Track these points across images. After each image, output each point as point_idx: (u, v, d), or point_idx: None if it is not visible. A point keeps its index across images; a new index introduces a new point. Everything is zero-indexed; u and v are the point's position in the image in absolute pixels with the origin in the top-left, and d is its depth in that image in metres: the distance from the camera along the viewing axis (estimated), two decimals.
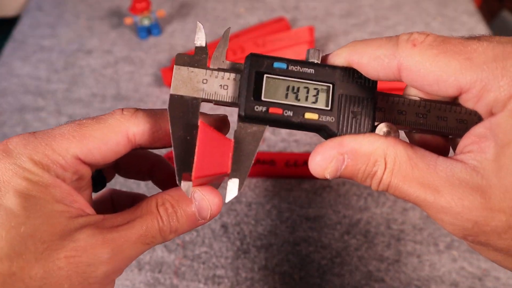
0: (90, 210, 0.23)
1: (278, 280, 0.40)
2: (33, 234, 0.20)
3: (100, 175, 0.28)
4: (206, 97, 0.23)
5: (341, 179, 0.47)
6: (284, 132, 0.52)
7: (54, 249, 0.20)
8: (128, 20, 0.64)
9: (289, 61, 0.23)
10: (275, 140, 0.51)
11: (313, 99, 0.23)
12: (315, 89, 0.23)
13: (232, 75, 0.23)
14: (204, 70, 0.23)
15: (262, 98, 0.22)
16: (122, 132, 0.24)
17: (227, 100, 0.23)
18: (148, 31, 0.66)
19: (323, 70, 0.23)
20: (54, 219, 0.21)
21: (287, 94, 0.23)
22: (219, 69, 0.23)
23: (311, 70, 0.23)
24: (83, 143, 0.23)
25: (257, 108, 0.22)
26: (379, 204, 0.45)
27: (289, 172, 0.46)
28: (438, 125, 0.23)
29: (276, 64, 0.23)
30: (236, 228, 0.44)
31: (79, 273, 0.20)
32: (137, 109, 0.25)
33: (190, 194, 0.23)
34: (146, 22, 0.64)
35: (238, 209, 0.45)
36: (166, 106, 0.49)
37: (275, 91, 0.23)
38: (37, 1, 0.75)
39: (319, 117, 0.22)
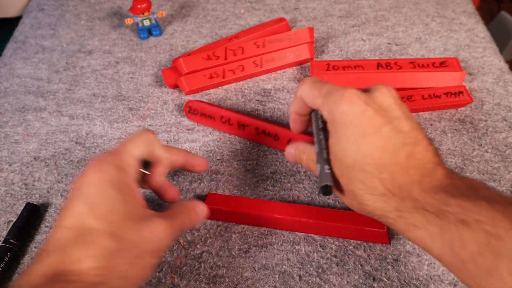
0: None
1: (278, 280, 0.41)
2: (130, 214, 0.32)
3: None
4: None
5: None
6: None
7: (142, 226, 0.32)
8: (129, 21, 0.64)
9: None
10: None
11: None
12: None
13: None
14: None
15: None
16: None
17: None
18: (149, 32, 0.66)
19: None
20: (136, 207, 0.33)
21: None
22: None
23: None
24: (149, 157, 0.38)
25: None
26: None
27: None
28: None
29: None
30: (237, 228, 0.44)
31: (155, 243, 0.32)
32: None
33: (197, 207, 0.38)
34: (146, 23, 0.64)
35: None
36: (166, 107, 0.52)
37: None
38: (38, 1, 0.75)
39: None
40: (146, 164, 0.38)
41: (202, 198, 0.47)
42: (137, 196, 0.34)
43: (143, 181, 0.39)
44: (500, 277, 0.25)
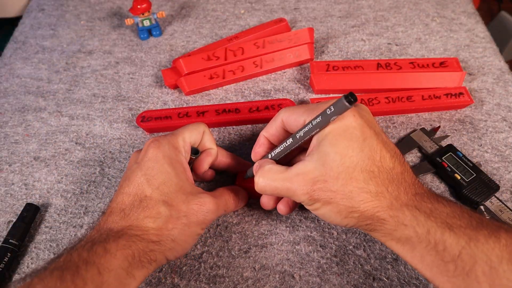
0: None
1: (278, 279, 0.41)
2: (182, 188, 0.37)
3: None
4: None
5: None
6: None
7: (190, 199, 0.37)
8: (129, 21, 0.64)
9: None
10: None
11: None
12: None
13: None
14: None
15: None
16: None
17: None
18: (149, 32, 0.66)
19: None
20: (186, 182, 0.38)
21: None
22: None
23: None
24: (198, 141, 0.42)
25: None
26: None
27: (252, 117, 0.52)
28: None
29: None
30: (237, 228, 0.44)
31: (201, 215, 0.37)
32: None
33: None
34: (146, 23, 0.64)
35: (239, 208, 0.46)
36: (166, 107, 0.52)
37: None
38: (38, 2, 0.75)
39: None
40: (196, 152, 0.42)
41: None
42: (187, 173, 0.39)
43: (190, 165, 0.42)
44: (476, 278, 0.27)
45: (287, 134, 0.39)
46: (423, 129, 0.51)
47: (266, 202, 0.40)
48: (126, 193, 0.36)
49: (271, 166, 0.36)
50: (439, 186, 0.47)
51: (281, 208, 0.40)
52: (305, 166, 0.34)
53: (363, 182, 0.32)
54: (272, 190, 0.36)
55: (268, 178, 0.35)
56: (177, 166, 0.38)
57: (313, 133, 0.34)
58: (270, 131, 0.40)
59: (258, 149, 0.41)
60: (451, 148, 0.48)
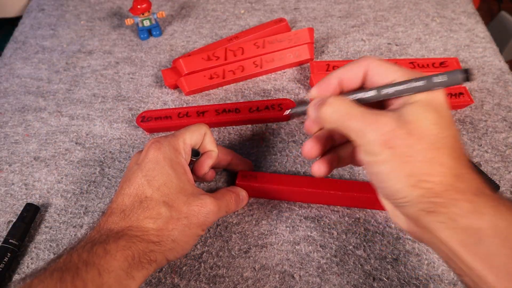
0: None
1: (278, 280, 0.41)
2: (182, 190, 0.37)
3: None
4: None
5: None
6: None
7: (191, 200, 0.37)
8: (129, 21, 0.64)
9: None
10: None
11: None
12: None
13: None
14: None
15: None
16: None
17: None
18: (149, 32, 0.66)
19: None
20: (187, 184, 0.38)
21: None
22: None
23: None
24: (198, 143, 0.42)
25: None
26: None
27: (252, 117, 0.52)
28: None
29: None
30: (237, 228, 0.44)
31: (202, 216, 0.37)
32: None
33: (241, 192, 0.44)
34: (146, 23, 0.64)
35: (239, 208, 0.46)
36: (166, 107, 0.52)
37: None
38: (38, 2, 0.75)
39: None
40: (197, 154, 0.42)
41: None
42: (188, 174, 0.39)
43: (191, 167, 0.42)
44: None
45: (361, 83, 0.33)
46: None
47: (308, 148, 0.34)
48: (127, 194, 0.36)
49: (344, 99, 0.31)
50: None
51: (320, 167, 0.34)
52: (387, 113, 0.29)
53: (447, 157, 0.28)
54: (338, 117, 0.30)
55: (341, 105, 0.30)
56: (178, 167, 0.38)
57: (404, 95, 0.30)
58: (347, 74, 0.33)
59: (326, 87, 0.33)
60: None
